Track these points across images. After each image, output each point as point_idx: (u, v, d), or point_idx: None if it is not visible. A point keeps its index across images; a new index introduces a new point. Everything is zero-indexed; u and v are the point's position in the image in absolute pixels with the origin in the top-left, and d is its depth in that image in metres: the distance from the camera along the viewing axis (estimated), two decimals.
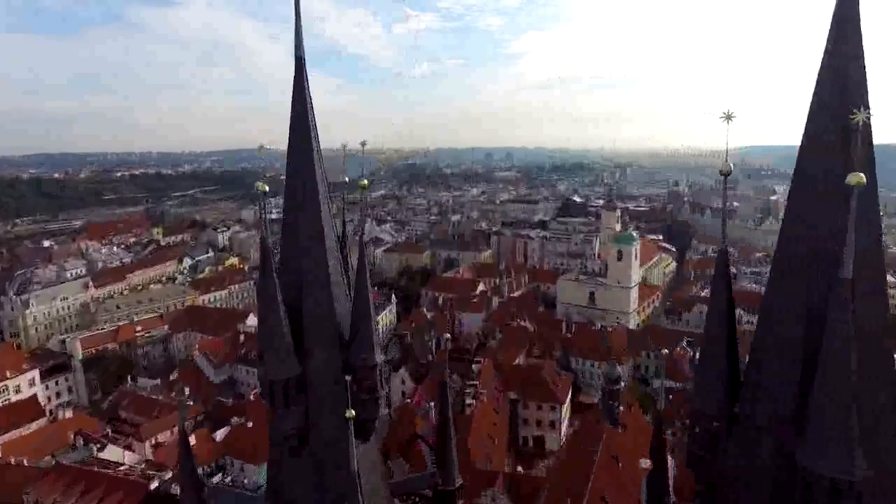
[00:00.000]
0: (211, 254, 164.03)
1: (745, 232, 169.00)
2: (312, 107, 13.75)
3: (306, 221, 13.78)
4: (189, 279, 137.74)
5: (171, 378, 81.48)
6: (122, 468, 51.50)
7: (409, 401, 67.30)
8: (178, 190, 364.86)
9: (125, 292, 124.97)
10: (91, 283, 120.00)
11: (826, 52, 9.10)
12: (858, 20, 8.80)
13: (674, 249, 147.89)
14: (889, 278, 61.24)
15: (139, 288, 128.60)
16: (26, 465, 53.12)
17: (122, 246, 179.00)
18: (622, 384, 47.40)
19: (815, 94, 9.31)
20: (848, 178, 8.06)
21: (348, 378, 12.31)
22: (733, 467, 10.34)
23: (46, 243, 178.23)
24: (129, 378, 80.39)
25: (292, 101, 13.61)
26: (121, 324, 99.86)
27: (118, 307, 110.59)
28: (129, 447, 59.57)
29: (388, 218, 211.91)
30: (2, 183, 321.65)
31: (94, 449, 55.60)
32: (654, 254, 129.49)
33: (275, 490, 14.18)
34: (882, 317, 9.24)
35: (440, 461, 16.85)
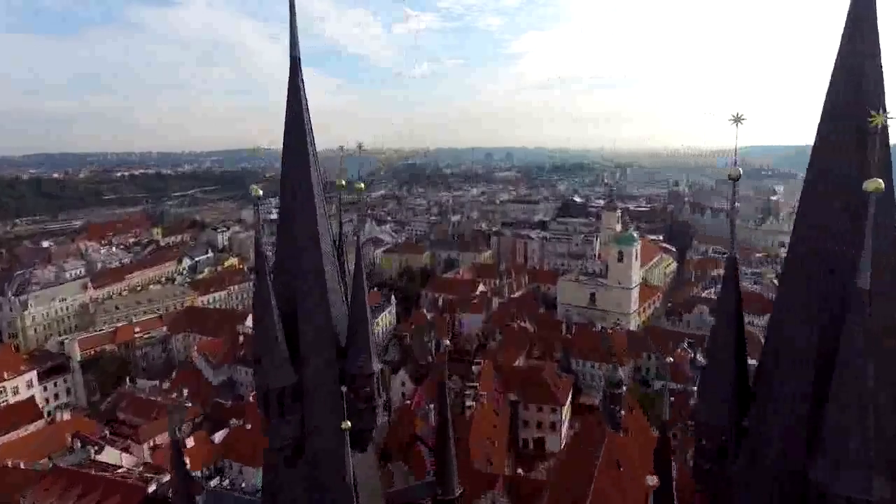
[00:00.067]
0: (210, 254, 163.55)
1: (746, 232, 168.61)
2: (308, 107, 13.41)
3: (302, 225, 13.45)
4: (188, 280, 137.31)
5: (171, 379, 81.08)
6: (119, 471, 51.15)
7: (408, 402, 67.01)
8: (178, 190, 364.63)
9: (124, 293, 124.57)
10: (90, 284, 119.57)
11: (840, 50, 8.72)
12: (875, 17, 8.41)
13: (674, 250, 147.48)
14: None
15: (138, 289, 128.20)
16: (23, 467, 52.72)
17: (122, 246, 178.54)
18: (624, 388, 46.94)
19: (829, 94, 8.93)
20: (865, 183, 7.69)
21: (344, 389, 11.95)
22: (742, 482, 9.97)
23: (46, 244, 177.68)
24: (127, 379, 79.97)
25: (287, 102, 13.29)
26: (120, 325, 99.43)
27: (117, 308, 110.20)
28: (127, 449, 59.18)
29: (388, 218, 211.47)
30: (2, 183, 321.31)
31: (92, 451, 55.19)
32: (654, 254, 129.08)
33: (270, 500, 13.85)
34: None
35: (439, 470, 16.50)
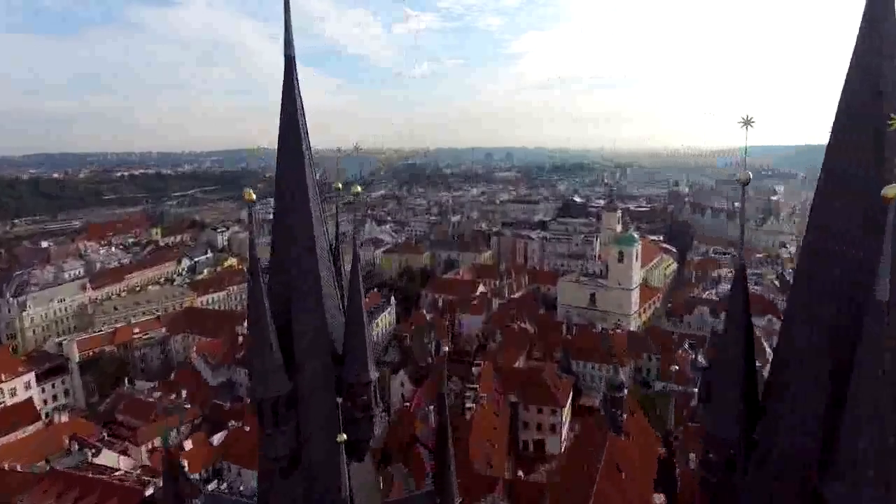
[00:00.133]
0: (210, 254, 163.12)
1: (747, 233, 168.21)
2: (303, 108, 13.05)
3: (296, 230, 13.10)
4: (187, 280, 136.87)
5: (170, 380, 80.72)
6: (116, 474, 50.79)
7: (407, 404, 66.70)
8: (178, 190, 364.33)
9: (123, 294, 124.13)
10: (89, 285, 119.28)
11: (855, 50, 8.36)
12: (893, 16, 8.04)
13: (674, 250, 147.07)
14: None
15: (137, 289, 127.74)
16: (20, 470, 52.31)
17: (121, 247, 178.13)
18: (625, 391, 46.58)
19: (844, 94, 8.56)
20: (885, 189, 7.32)
21: (340, 400, 11.59)
22: (750, 496, 9.62)
23: (45, 244, 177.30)
24: (126, 380, 79.62)
25: (282, 102, 12.93)
26: (118, 325, 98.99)
27: (116, 309, 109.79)
28: (124, 451, 58.83)
29: (388, 218, 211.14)
30: (1, 183, 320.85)
31: (89, 454, 54.83)
32: (654, 255, 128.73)
33: None
34: None
35: (439, 480, 16.13)
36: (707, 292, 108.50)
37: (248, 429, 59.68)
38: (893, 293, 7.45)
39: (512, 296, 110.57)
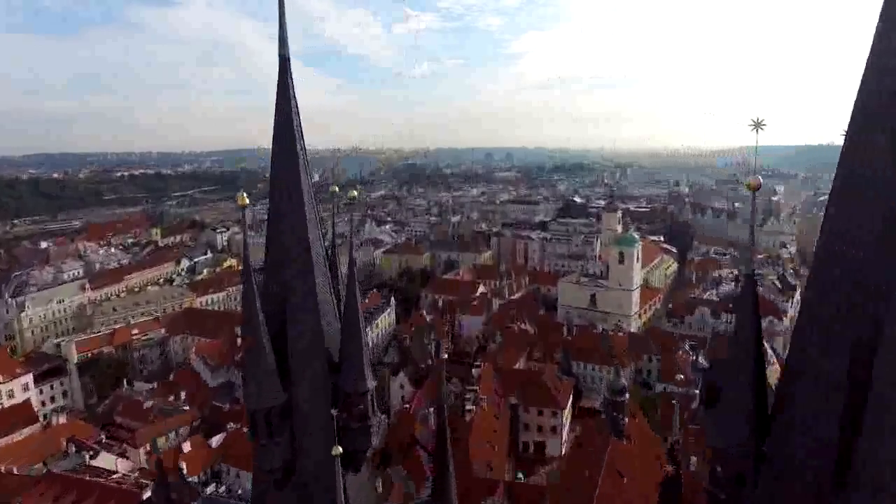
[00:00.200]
0: (209, 255, 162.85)
1: (747, 233, 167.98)
2: (298, 108, 12.72)
3: (291, 232, 12.75)
4: (187, 281, 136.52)
5: (169, 381, 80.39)
6: (114, 476, 50.46)
7: (407, 406, 66.40)
8: (178, 190, 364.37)
9: (122, 294, 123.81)
10: (88, 286, 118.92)
11: (872, 48, 7.99)
12: None
13: (674, 251, 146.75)
14: None
15: (136, 290, 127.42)
16: (17, 472, 52.01)
17: (120, 247, 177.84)
18: (627, 395, 46.20)
19: (860, 95, 8.17)
20: None
21: (335, 412, 11.24)
22: None
23: (44, 244, 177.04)
24: (125, 382, 79.30)
25: (276, 102, 12.59)
26: (117, 326, 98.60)
27: (115, 309, 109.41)
28: (123, 454, 58.50)
29: (388, 219, 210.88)
30: (1, 183, 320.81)
31: (87, 456, 54.50)
32: (655, 255, 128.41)
33: None
34: None
35: (437, 490, 15.78)
36: (708, 293, 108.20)
37: (247, 431, 59.31)
38: None
39: (512, 296, 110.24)
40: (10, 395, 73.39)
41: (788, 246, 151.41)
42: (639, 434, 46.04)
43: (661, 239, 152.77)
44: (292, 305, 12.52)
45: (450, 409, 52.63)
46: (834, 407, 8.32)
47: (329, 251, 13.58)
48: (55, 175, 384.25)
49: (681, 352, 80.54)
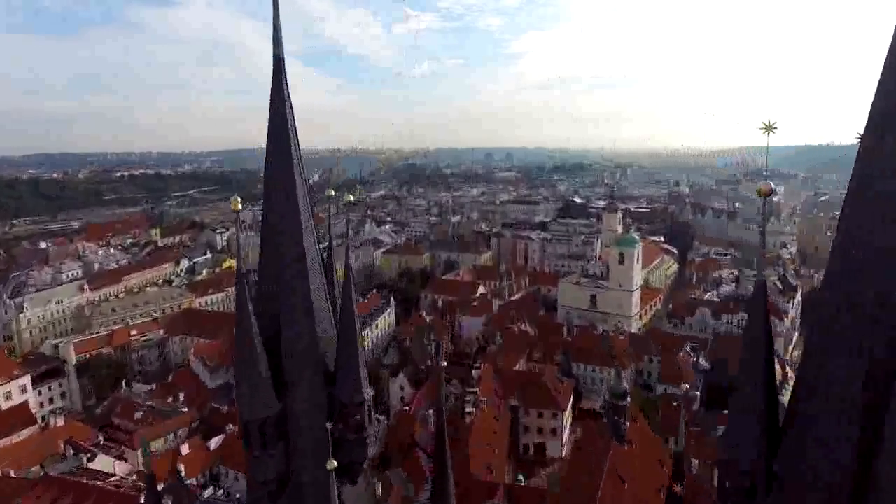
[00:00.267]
0: (209, 255, 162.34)
1: (748, 234, 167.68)
2: (293, 109, 12.37)
3: (285, 236, 12.40)
4: (186, 281, 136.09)
5: (168, 382, 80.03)
6: (112, 479, 50.09)
7: (407, 407, 66.10)
8: (178, 190, 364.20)
9: (121, 295, 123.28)
10: (87, 286, 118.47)
11: (891, 48, 7.63)
12: None
13: (675, 251, 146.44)
14: None
15: (135, 290, 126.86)
16: (14, 475, 51.60)
17: (120, 247, 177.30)
18: (628, 399, 45.81)
19: (878, 96, 7.82)
20: None
21: (329, 425, 10.89)
22: None
23: (43, 244, 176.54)
24: (123, 383, 78.92)
25: (271, 103, 12.25)
26: (116, 327, 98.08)
27: (113, 310, 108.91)
28: (121, 456, 58.08)
29: (388, 219, 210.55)
30: (1, 183, 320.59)
31: (84, 459, 54.10)
32: (655, 256, 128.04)
33: None
34: None
35: (436, 497, 15.47)
36: (708, 293, 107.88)
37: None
38: None
39: (512, 297, 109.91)
40: (8, 396, 72.99)
41: (789, 246, 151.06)
42: (640, 437, 45.69)
43: (662, 239, 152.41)
44: (286, 311, 12.17)
45: (449, 410, 52.40)
46: (849, 426, 7.96)
47: (325, 256, 13.23)
48: (55, 175, 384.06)
49: (681, 353, 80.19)
